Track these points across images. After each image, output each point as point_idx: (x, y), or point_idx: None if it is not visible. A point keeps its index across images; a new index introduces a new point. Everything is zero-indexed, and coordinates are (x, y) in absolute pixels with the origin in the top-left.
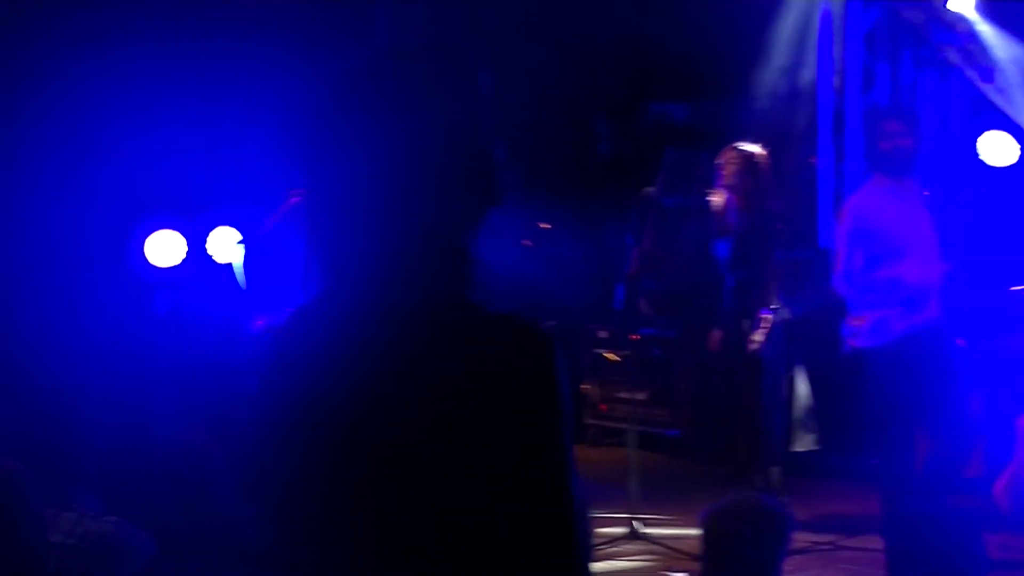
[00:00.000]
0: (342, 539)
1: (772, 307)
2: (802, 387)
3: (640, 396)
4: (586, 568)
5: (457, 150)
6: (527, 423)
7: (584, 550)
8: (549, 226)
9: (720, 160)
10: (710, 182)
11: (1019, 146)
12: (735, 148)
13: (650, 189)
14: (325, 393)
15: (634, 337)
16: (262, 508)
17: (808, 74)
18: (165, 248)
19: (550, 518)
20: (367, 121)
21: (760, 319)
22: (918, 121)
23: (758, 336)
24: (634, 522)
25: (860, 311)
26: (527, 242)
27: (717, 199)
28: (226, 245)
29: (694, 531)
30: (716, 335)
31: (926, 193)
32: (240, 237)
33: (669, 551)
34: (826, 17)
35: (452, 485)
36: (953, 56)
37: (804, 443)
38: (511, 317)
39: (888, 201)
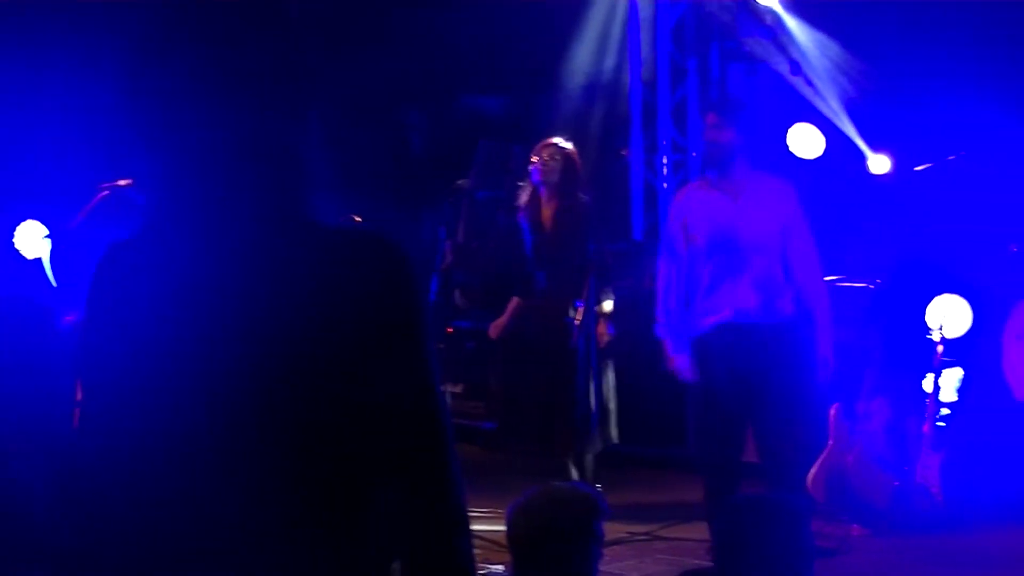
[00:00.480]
0: (201, 472)
1: (584, 300)
2: (612, 379)
3: (455, 389)
4: (458, 470)
5: (276, 65)
6: (393, 330)
7: (454, 453)
8: (360, 219)
9: (533, 154)
10: (523, 175)
11: (825, 139)
12: (550, 142)
13: (463, 182)
14: (171, 325)
15: (448, 330)
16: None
17: (618, 67)
18: None
19: (422, 419)
20: (190, 48)
21: (572, 312)
22: (741, 113)
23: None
24: None
25: (671, 304)
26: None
27: (525, 191)
28: (33, 239)
29: None
30: (499, 323)
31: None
32: (47, 232)
33: (487, 543)
34: (634, 10)
35: (321, 402)
36: (761, 49)
37: (616, 435)
38: (363, 230)
39: (705, 197)
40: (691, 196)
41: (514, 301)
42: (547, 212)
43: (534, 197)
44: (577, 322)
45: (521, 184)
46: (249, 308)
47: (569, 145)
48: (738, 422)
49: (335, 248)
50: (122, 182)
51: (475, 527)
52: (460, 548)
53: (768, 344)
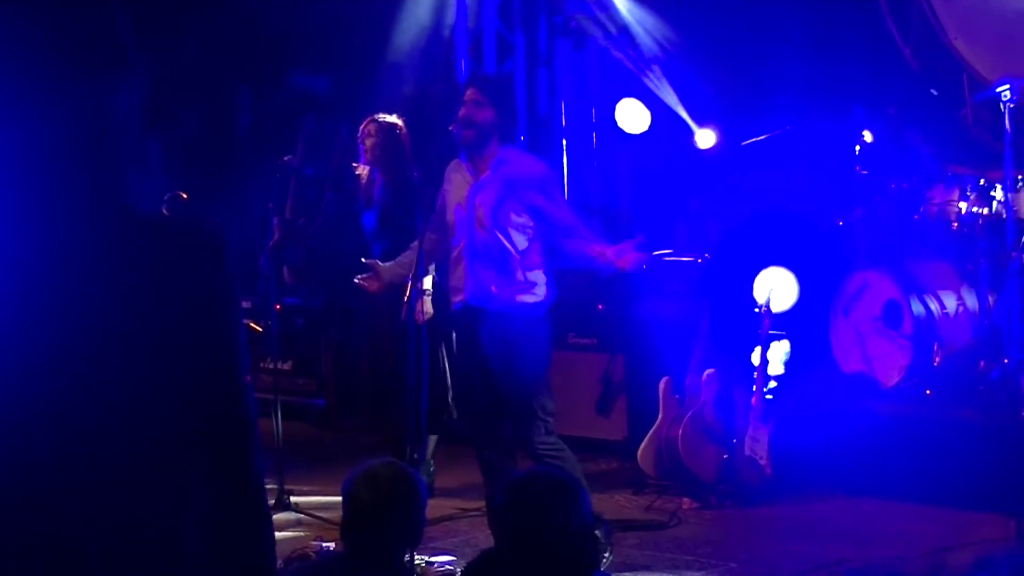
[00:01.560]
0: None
1: (411, 276)
2: (446, 355)
3: (285, 366)
4: (259, 463)
5: (87, 45)
6: (206, 322)
7: (258, 455)
8: (186, 196)
9: (361, 131)
10: (349, 151)
11: (651, 114)
12: (374, 119)
13: (289, 158)
14: None
15: (277, 307)
16: None
17: (445, 43)
18: None
19: (229, 412)
20: None
21: (404, 288)
22: (499, 90)
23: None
24: (282, 493)
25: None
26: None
27: (360, 171)
28: None
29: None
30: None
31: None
32: None
33: (319, 521)
34: None
35: (132, 392)
36: (587, 25)
37: (450, 412)
38: (181, 220)
39: (454, 175)
40: (447, 173)
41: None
42: (378, 190)
43: (366, 175)
44: (405, 298)
45: (347, 161)
46: (65, 302)
47: (390, 118)
48: (483, 398)
49: (151, 239)
50: None
51: (306, 501)
52: (259, 543)
53: (492, 328)
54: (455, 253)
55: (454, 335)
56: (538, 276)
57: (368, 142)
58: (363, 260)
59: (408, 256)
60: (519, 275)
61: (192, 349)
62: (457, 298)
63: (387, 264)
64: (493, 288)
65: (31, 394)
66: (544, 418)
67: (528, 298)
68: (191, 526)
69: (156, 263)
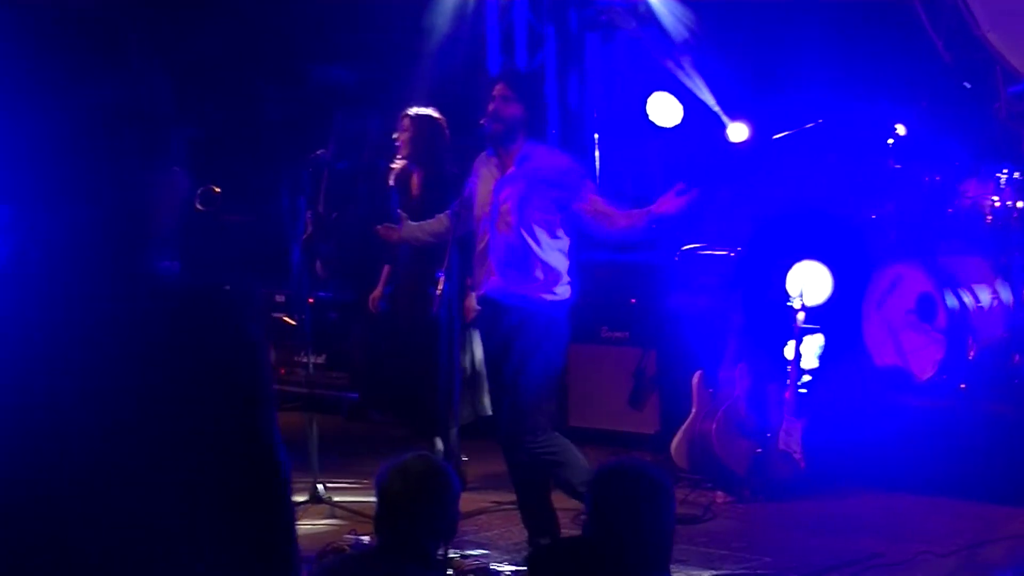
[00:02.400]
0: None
1: (445, 270)
2: (478, 350)
3: (318, 360)
4: (293, 532)
5: (120, 121)
6: (231, 392)
7: (291, 514)
8: (219, 191)
9: (397, 125)
10: (381, 145)
11: (684, 107)
12: (408, 113)
13: (321, 152)
14: (13, 372)
15: (310, 301)
16: None
17: (476, 35)
18: None
19: (260, 486)
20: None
21: (436, 282)
22: (528, 86)
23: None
24: (316, 486)
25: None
26: (216, 188)
27: (397, 164)
28: None
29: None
30: (375, 295)
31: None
32: None
33: (352, 514)
34: None
35: (157, 462)
36: (619, 17)
37: (484, 407)
38: (203, 286)
39: (482, 169)
40: (476, 166)
41: (385, 269)
42: (415, 181)
43: (404, 167)
44: (439, 292)
45: (379, 154)
46: (88, 364)
47: (424, 111)
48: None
49: (176, 306)
50: None
51: (340, 495)
52: None
53: (512, 323)
54: (480, 247)
55: (478, 328)
56: (560, 274)
57: (402, 136)
58: (398, 211)
59: (432, 224)
60: (540, 273)
61: (212, 414)
62: (480, 291)
63: (413, 223)
64: (514, 285)
65: (47, 447)
66: (539, 418)
67: (549, 296)
68: None
69: (179, 330)
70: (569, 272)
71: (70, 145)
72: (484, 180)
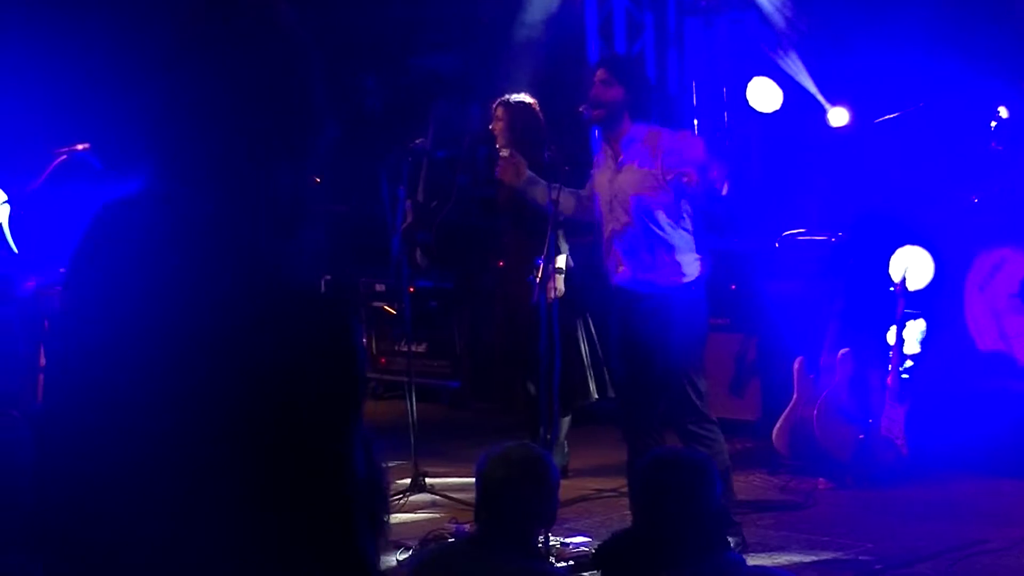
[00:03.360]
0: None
1: (544, 256)
2: (584, 337)
3: (419, 348)
4: (369, 541)
5: (280, 107)
6: (322, 396)
7: (365, 519)
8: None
9: (493, 112)
10: (480, 133)
11: (783, 92)
12: (503, 101)
13: (420, 141)
14: (142, 321)
15: (411, 289)
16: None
17: (574, 22)
18: None
19: (332, 490)
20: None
21: (535, 269)
22: (629, 70)
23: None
24: (418, 474)
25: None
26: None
27: (505, 152)
28: None
29: None
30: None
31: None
32: (5, 197)
33: (453, 502)
34: None
35: (235, 442)
36: (718, 2)
37: (587, 393)
38: (312, 291)
39: (599, 158)
40: (597, 156)
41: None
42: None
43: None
44: (538, 279)
45: (478, 142)
46: (211, 340)
47: (517, 97)
48: (637, 379)
49: (291, 306)
50: (79, 146)
51: (441, 483)
52: None
53: (647, 310)
54: (605, 236)
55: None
56: (688, 255)
57: (496, 125)
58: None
59: (564, 194)
60: (668, 255)
61: (298, 412)
62: (611, 282)
63: (535, 176)
64: (644, 272)
65: (166, 403)
66: (697, 401)
67: (681, 278)
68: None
69: (291, 328)
70: (699, 248)
71: (224, 119)
72: (602, 169)
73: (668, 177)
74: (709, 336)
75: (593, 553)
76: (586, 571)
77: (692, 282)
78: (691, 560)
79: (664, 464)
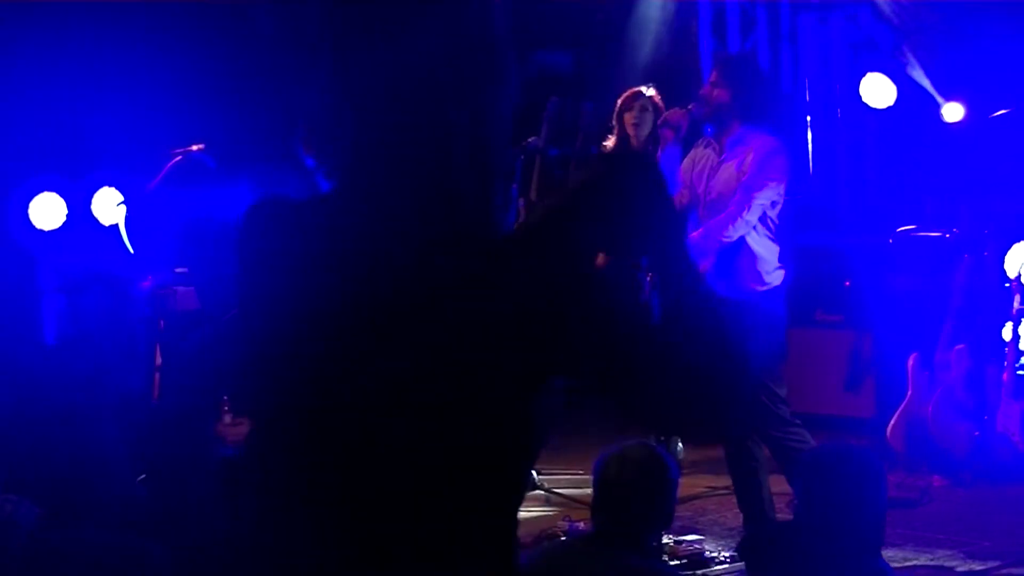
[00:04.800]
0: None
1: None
2: None
3: None
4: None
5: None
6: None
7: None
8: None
9: (623, 106)
10: (594, 131)
11: (897, 88)
12: (635, 93)
13: (533, 139)
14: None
15: None
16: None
17: (687, 18)
18: (47, 211)
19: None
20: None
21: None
22: (739, 71)
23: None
24: (532, 473)
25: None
26: None
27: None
28: (109, 207)
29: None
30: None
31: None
32: (122, 198)
33: (567, 501)
34: None
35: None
36: None
37: None
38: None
39: (701, 156)
40: (692, 154)
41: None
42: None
43: (622, 146)
44: (649, 277)
45: (591, 141)
46: (397, 309)
47: (656, 94)
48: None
49: (496, 260)
50: (194, 147)
51: (556, 483)
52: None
53: (734, 312)
54: (692, 235)
55: None
56: (771, 262)
57: (636, 118)
58: None
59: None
60: (751, 262)
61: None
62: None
63: None
64: (726, 275)
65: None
66: (777, 407)
67: (760, 286)
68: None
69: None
70: (781, 257)
71: (418, 96)
72: (698, 164)
73: (760, 183)
74: (824, 333)
75: (739, 543)
76: (735, 563)
77: (772, 290)
78: (846, 560)
79: (834, 457)
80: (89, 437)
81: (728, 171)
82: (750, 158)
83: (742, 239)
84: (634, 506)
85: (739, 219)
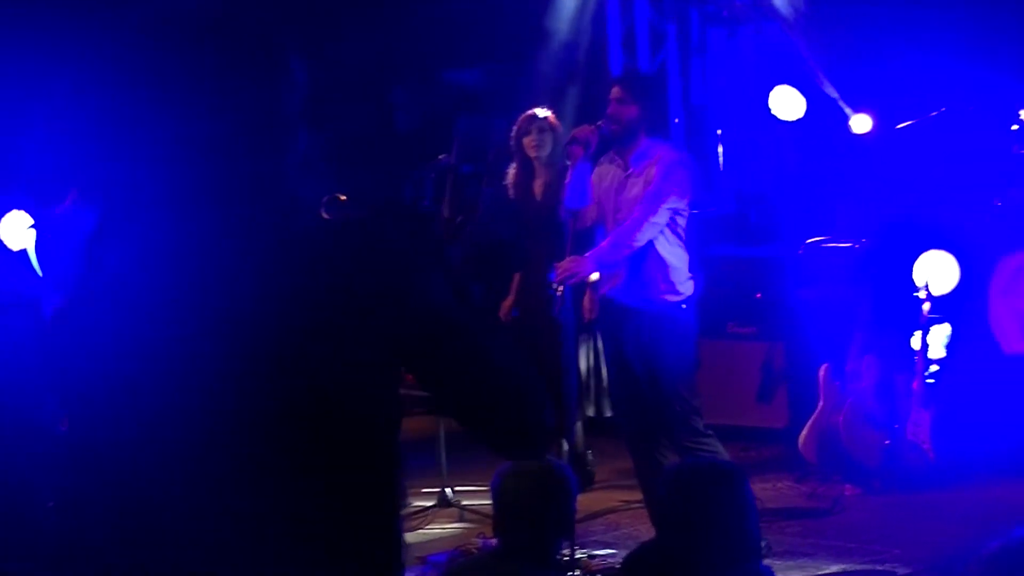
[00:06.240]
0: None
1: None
2: (592, 353)
3: None
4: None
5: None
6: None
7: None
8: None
9: (519, 127)
10: (505, 148)
11: (806, 100)
12: (533, 115)
13: (445, 156)
14: (152, 313)
15: None
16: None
17: (596, 34)
18: None
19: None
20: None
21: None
22: (645, 87)
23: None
24: (445, 490)
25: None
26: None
27: (517, 165)
28: (18, 230)
29: None
30: (506, 304)
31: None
32: (32, 222)
33: (481, 517)
34: None
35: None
36: (740, 12)
37: (608, 406)
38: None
39: (606, 172)
40: (599, 171)
41: (516, 276)
42: (539, 183)
43: (524, 169)
44: (559, 293)
45: (502, 157)
46: (232, 302)
47: (552, 114)
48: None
49: (311, 228)
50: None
51: (468, 498)
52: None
53: (636, 325)
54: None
55: (600, 330)
56: (682, 272)
57: (535, 139)
58: None
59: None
60: (661, 272)
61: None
62: (601, 292)
63: None
64: (636, 285)
65: (193, 387)
66: (689, 417)
67: (672, 296)
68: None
69: (312, 253)
70: (692, 268)
71: (211, 146)
72: (606, 180)
73: (664, 196)
74: (735, 344)
75: (620, 565)
76: None
77: (683, 300)
78: (720, 572)
79: (690, 472)
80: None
81: (636, 186)
82: (654, 170)
83: (653, 248)
84: (533, 520)
85: (645, 223)
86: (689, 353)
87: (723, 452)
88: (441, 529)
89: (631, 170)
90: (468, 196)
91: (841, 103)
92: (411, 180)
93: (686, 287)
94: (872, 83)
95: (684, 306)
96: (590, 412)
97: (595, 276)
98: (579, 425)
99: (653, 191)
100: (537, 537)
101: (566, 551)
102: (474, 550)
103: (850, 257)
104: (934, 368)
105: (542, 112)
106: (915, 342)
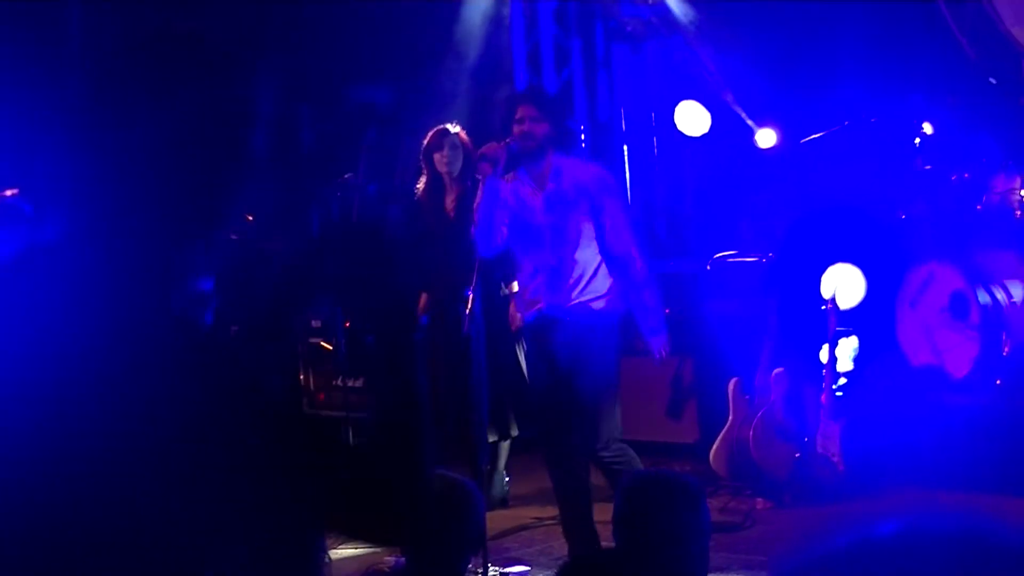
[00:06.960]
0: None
1: (472, 288)
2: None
3: (355, 383)
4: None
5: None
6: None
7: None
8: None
9: (430, 143)
10: (412, 165)
11: (711, 115)
12: (444, 131)
13: (351, 175)
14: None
15: (346, 324)
16: None
17: (502, 50)
18: None
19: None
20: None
21: (466, 301)
22: (554, 105)
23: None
24: None
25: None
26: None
27: (426, 181)
28: None
29: None
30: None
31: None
32: None
33: None
34: None
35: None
36: (645, 28)
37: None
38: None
39: (516, 189)
40: (501, 188)
41: (423, 296)
42: (450, 199)
43: (435, 185)
44: (468, 311)
45: (410, 174)
46: (98, 396)
47: (463, 131)
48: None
49: (189, 345)
50: (8, 192)
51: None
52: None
53: (565, 337)
54: (529, 266)
55: (524, 345)
56: (609, 283)
57: (446, 156)
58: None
59: None
60: (588, 284)
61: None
62: (533, 309)
63: None
64: (563, 299)
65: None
66: (605, 426)
67: (599, 306)
68: None
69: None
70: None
71: (138, 165)
72: (524, 201)
73: (591, 208)
74: (645, 360)
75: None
76: None
77: (610, 311)
78: None
79: (647, 483)
80: None
81: (561, 201)
82: (607, 201)
83: (590, 259)
84: (437, 536)
85: (642, 266)
86: (615, 365)
87: (638, 462)
88: (354, 549)
89: (548, 186)
90: (376, 215)
91: (746, 118)
92: (317, 199)
93: (613, 299)
94: (776, 97)
95: (610, 318)
96: (514, 432)
97: (516, 287)
98: (505, 447)
99: (624, 223)
100: (443, 553)
101: (479, 568)
102: (386, 568)
103: (757, 271)
104: (842, 381)
105: (453, 128)
106: (823, 355)
